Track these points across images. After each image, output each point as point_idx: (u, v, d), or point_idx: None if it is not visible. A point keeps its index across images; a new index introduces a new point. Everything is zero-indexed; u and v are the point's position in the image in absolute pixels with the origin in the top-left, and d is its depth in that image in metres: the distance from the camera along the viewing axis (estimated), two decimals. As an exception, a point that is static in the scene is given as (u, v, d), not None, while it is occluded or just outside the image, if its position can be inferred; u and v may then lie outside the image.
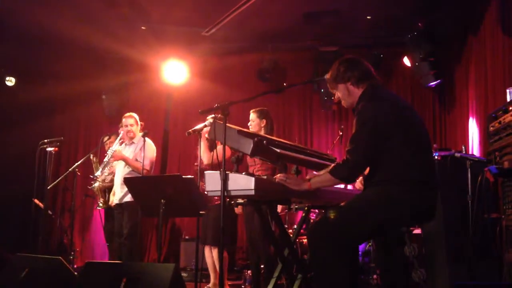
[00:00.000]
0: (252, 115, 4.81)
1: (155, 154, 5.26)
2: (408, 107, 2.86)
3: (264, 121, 4.71)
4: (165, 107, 7.96)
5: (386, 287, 4.56)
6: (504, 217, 3.45)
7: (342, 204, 3.13)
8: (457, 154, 3.76)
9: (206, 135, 4.77)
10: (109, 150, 5.27)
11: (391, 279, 4.74)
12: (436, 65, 6.28)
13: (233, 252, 7.33)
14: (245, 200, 3.16)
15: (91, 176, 5.53)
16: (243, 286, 5.79)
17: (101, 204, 5.74)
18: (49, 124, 7.63)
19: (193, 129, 4.40)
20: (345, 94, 2.89)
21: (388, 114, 2.69)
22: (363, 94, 2.84)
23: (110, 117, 7.68)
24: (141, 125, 5.35)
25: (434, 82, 6.40)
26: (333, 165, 2.84)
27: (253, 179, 2.72)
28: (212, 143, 4.88)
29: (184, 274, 5.99)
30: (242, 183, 2.77)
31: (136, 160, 5.07)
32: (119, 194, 5.11)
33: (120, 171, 5.17)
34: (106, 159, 5.26)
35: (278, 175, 2.95)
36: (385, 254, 4.64)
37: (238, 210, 5.13)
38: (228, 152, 4.34)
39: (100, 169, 5.36)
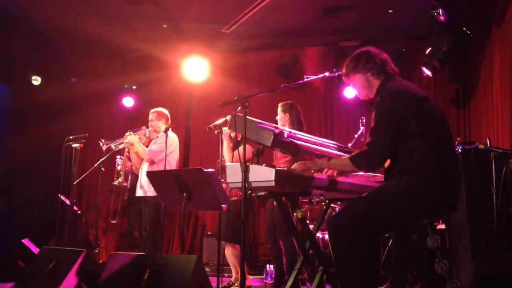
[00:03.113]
0: (278, 109, 4.84)
1: (173, 148, 5.28)
2: (426, 97, 2.83)
3: (288, 115, 4.71)
4: (186, 104, 8.03)
5: (401, 280, 4.57)
6: (529, 208, 3.39)
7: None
8: (481, 146, 3.71)
9: (231, 135, 4.81)
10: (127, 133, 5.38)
11: (414, 271, 4.72)
12: (459, 58, 6.16)
13: (254, 248, 7.37)
14: (266, 192, 3.20)
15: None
16: (265, 281, 5.81)
17: (119, 180, 5.82)
18: (74, 121, 7.79)
19: (213, 124, 4.44)
20: (364, 84, 2.91)
21: (406, 106, 2.69)
22: (381, 85, 2.85)
23: (130, 114, 7.80)
24: (165, 121, 5.39)
25: (429, 72, 6.27)
26: (355, 152, 2.84)
27: (273, 170, 2.74)
28: (235, 143, 4.91)
29: (206, 269, 6.04)
30: (262, 174, 2.79)
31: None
32: (140, 188, 5.19)
33: (145, 165, 5.25)
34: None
35: (296, 164, 2.96)
36: (404, 247, 4.65)
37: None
38: (250, 148, 4.40)
39: (113, 144, 5.46)
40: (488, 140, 4.07)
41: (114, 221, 6.83)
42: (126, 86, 7.76)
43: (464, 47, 6.24)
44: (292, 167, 2.94)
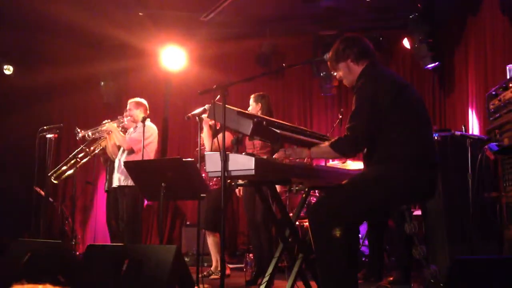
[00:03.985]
0: (251, 100, 4.87)
1: (152, 139, 5.21)
2: (407, 85, 2.85)
3: (260, 105, 4.75)
4: (164, 93, 7.94)
5: (378, 266, 4.65)
6: (504, 194, 3.46)
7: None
8: (457, 133, 3.76)
9: (210, 123, 4.79)
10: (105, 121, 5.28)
11: (392, 256, 4.79)
12: (435, 47, 6.24)
13: (234, 237, 7.37)
14: (246, 181, 3.19)
15: (76, 129, 5.45)
16: (244, 270, 5.82)
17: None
18: (48, 111, 7.63)
19: (192, 113, 4.40)
20: (346, 72, 2.91)
21: (387, 92, 2.70)
22: (362, 71, 2.85)
23: (108, 103, 7.67)
24: (144, 110, 5.30)
25: (432, 64, 6.37)
26: (335, 138, 2.85)
27: (253, 158, 2.72)
28: (215, 131, 4.90)
29: (186, 259, 6.02)
30: (242, 163, 2.77)
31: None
32: (117, 178, 5.11)
33: (121, 155, 5.17)
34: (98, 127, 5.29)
35: (277, 153, 2.95)
36: (381, 233, 4.71)
37: (239, 193, 5.16)
38: (230, 137, 4.38)
39: (90, 131, 5.35)
40: (463, 127, 4.15)
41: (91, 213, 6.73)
42: (102, 84, 7.62)
43: (441, 37, 6.32)
44: (273, 157, 2.94)
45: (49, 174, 5.57)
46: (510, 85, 3.34)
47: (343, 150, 2.79)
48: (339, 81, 7.14)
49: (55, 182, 5.79)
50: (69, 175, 5.77)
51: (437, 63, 6.37)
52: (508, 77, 3.46)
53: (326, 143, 2.86)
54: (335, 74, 3.01)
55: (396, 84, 2.75)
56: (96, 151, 5.68)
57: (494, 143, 3.44)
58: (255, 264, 5.01)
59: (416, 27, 6.34)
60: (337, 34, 7.01)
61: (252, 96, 4.91)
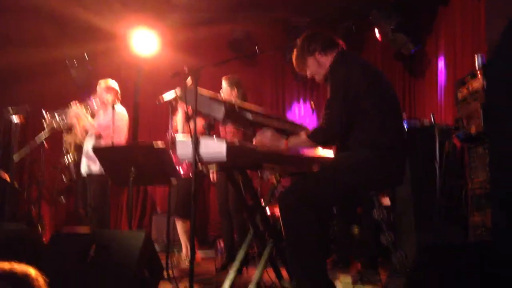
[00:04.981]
0: (223, 83, 4.74)
1: (124, 124, 5.09)
2: (379, 72, 2.87)
3: (235, 89, 4.65)
4: (135, 77, 7.79)
5: (346, 253, 4.72)
6: (470, 182, 3.54)
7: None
8: (426, 122, 3.82)
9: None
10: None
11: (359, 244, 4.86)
12: (409, 33, 6.26)
13: (205, 224, 7.36)
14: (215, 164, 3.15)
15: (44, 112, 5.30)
16: (215, 257, 5.81)
17: (70, 159, 5.59)
18: (14, 94, 7.36)
19: (162, 96, 4.33)
20: (315, 66, 2.88)
21: (360, 79, 2.71)
22: (333, 61, 2.83)
23: (76, 86, 7.48)
24: (114, 94, 5.15)
25: (414, 48, 6.35)
26: (312, 128, 2.85)
27: (224, 143, 2.69)
28: (188, 116, 4.81)
29: (155, 246, 5.96)
30: (213, 147, 2.73)
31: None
32: (85, 164, 5.00)
33: (89, 141, 5.05)
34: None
35: (256, 139, 2.93)
36: (349, 220, 4.77)
37: (213, 179, 5.09)
38: (202, 121, 4.32)
39: (56, 114, 5.20)
40: (432, 116, 4.21)
41: (61, 197, 6.56)
42: (67, 62, 7.41)
43: (412, 25, 6.36)
44: (253, 143, 2.92)
45: (14, 159, 5.40)
46: (478, 73, 3.40)
47: (320, 140, 2.79)
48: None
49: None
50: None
51: (419, 45, 6.35)
52: (476, 66, 3.52)
53: (303, 134, 2.85)
54: (305, 70, 2.97)
55: (368, 71, 2.77)
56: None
57: (461, 132, 3.50)
58: (225, 251, 5.01)
59: (387, 16, 6.36)
60: (309, 23, 7.01)
61: (226, 78, 4.74)
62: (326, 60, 2.84)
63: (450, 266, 2.35)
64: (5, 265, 1.42)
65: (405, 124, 3.97)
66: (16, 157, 5.58)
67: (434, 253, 2.41)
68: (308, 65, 2.90)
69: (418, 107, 6.82)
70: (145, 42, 7.14)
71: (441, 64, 5.74)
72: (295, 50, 2.94)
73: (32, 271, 1.45)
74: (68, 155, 5.57)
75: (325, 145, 2.95)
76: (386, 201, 4.75)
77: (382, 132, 2.69)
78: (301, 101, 7.60)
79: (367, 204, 4.52)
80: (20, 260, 3.19)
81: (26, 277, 1.42)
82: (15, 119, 5.31)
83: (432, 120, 4.07)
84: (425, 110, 6.34)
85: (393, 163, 2.74)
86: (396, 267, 3.13)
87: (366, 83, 2.69)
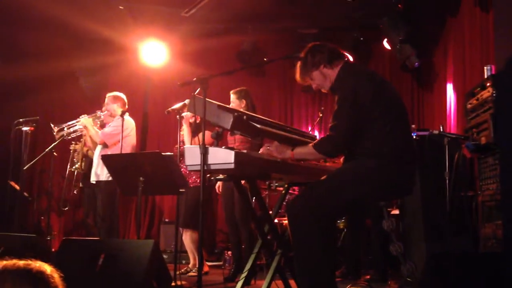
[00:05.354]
0: (232, 96, 4.81)
1: (128, 132, 5.11)
2: (385, 81, 2.87)
3: (244, 101, 4.71)
4: (144, 89, 7.86)
5: (355, 264, 4.68)
6: (480, 193, 3.51)
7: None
8: (435, 132, 3.81)
9: (190, 120, 4.76)
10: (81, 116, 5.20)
11: (369, 255, 4.82)
12: (416, 46, 6.28)
13: (213, 234, 7.34)
14: (225, 176, 3.16)
15: (51, 124, 5.35)
16: (223, 267, 5.80)
17: (76, 167, 5.62)
18: (24, 105, 7.44)
19: (172, 108, 4.37)
20: (321, 79, 2.87)
21: (366, 89, 2.71)
22: (339, 72, 2.83)
23: (86, 98, 7.56)
24: (121, 104, 5.20)
25: (418, 62, 6.38)
26: (317, 139, 2.84)
27: (233, 152, 2.70)
28: (195, 128, 4.86)
29: (164, 256, 5.96)
30: (221, 157, 2.74)
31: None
32: (94, 172, 5.03)
33: (98, 150, 5.09)
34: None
35: (262, 149, 2.94)
36: (358, 232, 4.74)
37: (218, 190, 5.12)
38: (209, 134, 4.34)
39: (65, 126, 5.27)
40: (441, 127, 4.19)
41: (66, 208, 6.59)
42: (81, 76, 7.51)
43: (420, 36, 6.38)
44: (259, 152, 2.93)
45: (24, 168, 5.45)
46: (488, 84, 3.39)
47: (326, 151, 2.76)
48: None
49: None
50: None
51: (423, 59, 6.36)
52: (486, 77, 3.51)
53: (310, 144, 2.84)
54: (311, 83, 2.96)
55: (374, 80, 2.78)
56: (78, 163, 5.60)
57: (471, 142, 3.48)
58: (233, 262, 4.99)
59: (394, 27, 6.38)
60: (317, 33, 7.04)
61: (234, 92, 4.82)
62: (332, 72, 2.84)
63: (459, 277, 2.33)
64: (20, 263, 1.43)
65: (414, 135, 3.95)
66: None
67: (443, 263, 2.39)
68: (313, 78, 2.89)
69: (427, 118, 6.80)
70: (154, 53, 7.22)
71: (449, 75, 5.73)
72: (298, 63, 2.94)
73: (47, 268, 1.46)
74: (78, 164, 5.60)
75: (330, 156, 2.90)
76: (396, 212, 4.73)
77: (388, 141, 2.68)
78: (309, 111, 7.61)
79: (375, 215, 4.51)
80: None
81: (41, 273, 1.43)
82: (26, 129, 5.36)
83: (442, 131, 4.05)
84: (434, 121, 6.32)
85: (401, 173, 2.72)
86: (405, 278, 3.10)
87: (371, 92, 2.69)
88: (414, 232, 3.91)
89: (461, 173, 3.71)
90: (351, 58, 6.22)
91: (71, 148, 5.71)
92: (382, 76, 2.95)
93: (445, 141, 3.76)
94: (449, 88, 5.69)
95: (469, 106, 3.66)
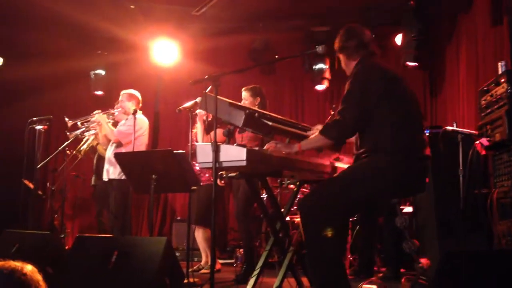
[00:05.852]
0: (245, 94, 4.72)
1: (142, 131, 5.13)
2: (398, 78, 2.86)
3: (258, 99, 4.65)
4: (155, 87, 7.90)
5: (368, 262, 4.66)
6: (494, 190, 3.47)
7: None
8: (449, 128, 3.77)
9: (204, 118, 4.75)
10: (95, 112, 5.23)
11: (382, 254, 4.79)
12: (422, 46, 6.21)
13: (224, 232, 7.35)
14: (237, 173, 3.17)
15: (66, 119, 5.39)
16: (235, 265, 5.81)
17: (80, 149, 5.66)
18: (37, 104, 7.52)
19: (183, 106, 4.38)
20: (343, 62, 2.98)
21: (378, 82, 2.73)
22: (356, 63, 2.88)
23: (97, 97, 7.62)
24: (136, 103, 5.23)
25: (412, 63, 6.32)
26: (323, 125, 2.84)
27: (244, 149, 2.71)
28: (207, 126, 4.85)
29: (176, 254, 5.98)
30: (233, 154, 2.75)
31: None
32: (107, 170, 5.06)
33: (111, 148, 5.12)
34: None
35: (268, 144, 2.93)
36: (371, 230, 4.72)
37: (220, 183, 5.02)
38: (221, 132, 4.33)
39: (79, 121, 5.30)
40: (454, 124, 4.15)
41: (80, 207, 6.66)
42: (92, 75, 7.55)
43: (432, 34, 6.33)
44: (264, 147, 2.91)
45: (38, 167, 5.50)
46: (502, 80, 3.35)
47: (333, 135, 2.75)
48: (331, 74, 7.18)
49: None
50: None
51: (416, 63, 6.32)
52: (500, 73, 3.46)
53: (316, 132, 2.85)
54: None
55: (386, 77, 2.77)
56: (85, 146, 5.62)
57: (485, 139, 3.45)
58: (245, 259, 4.94)
59: (408, 24, 6.33)
60: (329, 31, 7.02)
61: (246, 89, 4.72)
62: (352, 62, 2.91)
63: (473, 275, 2.30)
64: None
65: (427, 133, 3.91)
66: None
67: (457, 261, 2.36)
68: (340, 58, 3.01)
69: (440, 115, 6.74)
70: (165, 52, 7.25)
71: (462, 71, 5.67)
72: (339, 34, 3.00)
73: (26, 267, 1.47)
74: (83, 148, 5.63)
75: (337, 141, 2.84)
76: (409, 209, 4.69)
77: (399, 138, 2.67)
78: (320, 109, 7.58)
79: (388, 212, 4.48)
80: (43, 265, 3.24)
81: (12, 272, 1.44)
82: (39, 128, 5.41)
83: (455, 127, 4.01)
84: (447, 118, 6.26)
85: (412, 169, 2.70)
86: (418, 275, 3.07)
87: (382, 88, 2.70)
88: (427, 229, 3.88)
89: (475, 170, 3.66)
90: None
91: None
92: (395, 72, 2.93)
93: (458, 138, 3.72)
94: (462, 85, 5.63)
95: (483, 102, 3.62)
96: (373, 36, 6.88)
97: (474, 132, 3.82)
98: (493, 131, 3.43)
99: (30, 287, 1.47)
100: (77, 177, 6.66)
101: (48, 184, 7.39)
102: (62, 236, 5.93)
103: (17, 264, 1.48)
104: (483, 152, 3.56)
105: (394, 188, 2.73)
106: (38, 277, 1.50)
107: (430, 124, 6.25)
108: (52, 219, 6.61)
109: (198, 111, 4.45)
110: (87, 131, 5.42)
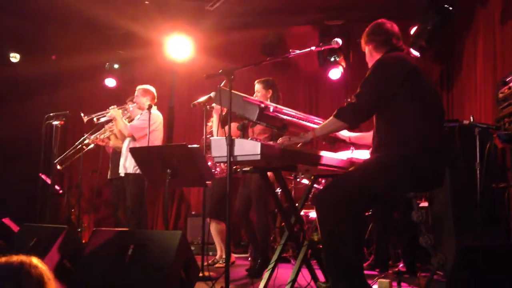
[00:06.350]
0: (257, 86, 4.68)
1: (156, 126, 5.16)
2: (418, 71, 2.82)
3: (270, 91, 4.61)
4: (170, 83, 7.93)
5: (384, 257, 4.63)
6: (512, 183, 3.43)
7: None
8: (466, 122, 3.72)
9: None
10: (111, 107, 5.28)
11: (397, 248, 4.76)
12: (435, 37, 6.12)
13: (239, 227, 7.36)
14: (251, 167, 3.17)
15: (82, 114, 5.46)
16: (249, 259, 5.82)
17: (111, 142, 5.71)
18: (54, 99, 7.62)
19: (197, 101, 4.39)
20: (368, 54, 2.99)
21: (400, 71, 2.71)
22: (381, 56, 2.88)
23: (113, 93, 7.68)
24: (151, 98, 5.26)
25: (415, 52, 6.22)
26: (337, 109, 2.82)
27: (259, 144, 2.70)
28: (223, 120, 4.83)
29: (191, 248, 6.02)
30: (248, 148, 2.74)
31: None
32: (122, 164, 5.11)
33: (126, 143, 5.17)
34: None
35: (281, 138, 2.93)
36: (386, 225, 4.69)
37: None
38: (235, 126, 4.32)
39: (94, 116, 5.36)
40: (471, 117, 4.10)
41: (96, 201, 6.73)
42: (107, 66, 7.60)
43: (449, 27, 6.24)
44: (278, 141, 2.90)
45: (55, 162, 5.57)
46: (520, 72, 3.30)
47: (347, 118, 2.75)
48: (346, 67, 7.13)
49: (59, 168, 5.79)
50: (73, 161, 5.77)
51: (418, 54, 6.24)
52: (518, 65, 3.41)
53: (331, 117, 2.85)
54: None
55: (409, 65, 2.75)
56: (102, 136, 5.66)
57: (503, 132, 3.40)
58: (253, 254, 4.89)
59: (425, 16, 6.24)
60: (343, 24, 6.97)
61: (259, 81, 4.68)
62: (377, 55, 2.91)
63: (490, 269, 2.27)
64: (2, 259, 1.46)
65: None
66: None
67: (474, 255, 2.34)
68: (365, 50, 3.00)
69: (457, 108, 6.65)
70: (179, 47, 7.26)
71: (479, 64, 5.59)
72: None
73: (33, 260, 1.49)
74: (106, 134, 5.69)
75: (351, 124, 2.83)
76: (425, 204, 4.65)
77: (419, 130, 2.64)
78: (335, 104, 7.53)
79: (404, 208, 4.45)
80: (60, 258, 3.28)
81: (21, 265, 1.46)
82: (56, 123, 5.48)
83: (472, 120, 3.96)
84: (464, 111, 6.18)
85: (431, 162, 2.67)
86: (434, 270, 3.05)
87: (404, 75, 2.68)
88: (444, 224, 3.85)
89: (493, 164, 3.62)
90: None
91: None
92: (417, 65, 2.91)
93: (476, 131, 3.67)
94: (479, 78, 5.55)
95: (500, 95, 3.57)
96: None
97: (491, 125, 3.77)
98: (510, 124, 3.38)
99: (42, 278, 1.49)
100: (94, 172, 6.73)
101: (65, 179, 7.50)
102: (79, 230, 6.01)
103: (22, 257, 1.50)
104: (501, 146, 3.51)
105: (411, 182, 2.71)
106: (47, 268, 1.52)
107: (447, 118, 6.18)
108: (69, 213, 6.69)
109: (214, 104, 4.45)
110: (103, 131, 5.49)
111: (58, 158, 5.72)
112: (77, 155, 5.76)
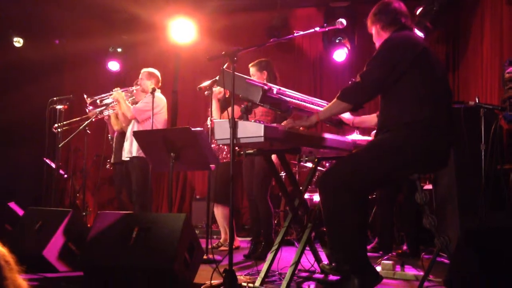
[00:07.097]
0: (252, 69, 4.53)
1: (160, 109, 5.13)
2: (428, 52, 2.78)
3: (265, 72, 4.50)
4: (173, 66, 7.90)
5: (388, 239, 4.63)
6: (517, 165, 3.40)
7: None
8: (471, 103, 3.68)
9: (219, 96, 4.71)
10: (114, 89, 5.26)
11: (401, 231, 4.76)
12: (440, 16, 6.03)
13: (243, 211, 7.39)
14: (255, 150, 3.16)
15: (85, 96, 5.45)
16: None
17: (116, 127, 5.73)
18: (58, 83, 7.63)
19: (202, 84, 4.36)
20: (375, 34, 2.94)
21: (408, 50, 2.67)
22: (390, 36, 2.83)
23: (116, 75, 7.67)
24: (155, 82, 5.24)
25: (421, 33, 6.14)
26: (341, 89, 2.80)
27: (262, 126, 2.69)
28: (224, 103, 4.80)
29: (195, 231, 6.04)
30: (251, 130, 2.73)
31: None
32: (127, 148, 5.11)
33: (130, 126, 5.16)
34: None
35: (286, 121, 2.91)
36: (390, 207, 4.68)
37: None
38: (238, 109, 4.29)
39: (97, 98, 5.36)
40: (477, 98, 4.06)
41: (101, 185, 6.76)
42: (110, 49, 7.58)
43: (455, 7, 6.15)
44: (282, 124, 2.89)
45: (59, 146, 5.57)
46: (527, 52, 3.25)
47: (350, 97, 2.73)
48: (350, 50, 7.06)
49: (54, 130, 5.74)
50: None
51: (422, 35, 6.15)
52: (525, 45, 3.36)
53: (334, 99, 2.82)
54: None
55: (417, 45, 2.71)
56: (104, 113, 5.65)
57: (509, 113, 3.36)
58: (252, 238, 4.87)
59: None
60: (348, 6, 6.88)
61: (253, 64, 4.54)
62: (385, 34, 2.86)
63: (496, 251, 2.27)
64: None
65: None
66: None
67: (478, 238, 2.33)
68: (372, 31, 2.96)
69: (462, 89, 6.60)
70: (183, 30, 7.21)
71: (486, 44, 5.52)
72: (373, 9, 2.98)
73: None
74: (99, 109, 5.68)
75: (355, 104, 2.78)
76: (429, 187, 4.64)
77: (423, 110, 2.60)
78: (339, 86, 7.49)
79: (408, 190, 4.44)
80: (65, 241, 3.30)
81: None
82: (60, 107, 5.48)
83: (477, 101, 3.92)
84: (469, 92, 6.13)
85: (435, 142, 2.64)
86: (439, 252, 3.04)
87: (411, 56, 2.65)
88: (448, 206, 3.83)
89: (498, 145, 3.59)
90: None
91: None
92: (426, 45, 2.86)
93: (481, 112, 3.64)
94: (486, 59, 5.49)
95: (507, 75, 3.54)
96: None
97: (497, 106, 3.73)
98: (517, 105, 3.35)
99: None
100: (98, 156, 6.74)
101: (69, 164, 7.52)
102: (84, 214, 6.04)
103: None
104: (506, 126, 3.47)
105: (415, 163, 2.68)
106: (6, 251, 1.51)
107: (452, 99, 6.12)
108: (74, 197, 6.73)
109: (214, 88, 4.41)
110: (106, 109, 5.46)
111: (63, 142, 5.71)
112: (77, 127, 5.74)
